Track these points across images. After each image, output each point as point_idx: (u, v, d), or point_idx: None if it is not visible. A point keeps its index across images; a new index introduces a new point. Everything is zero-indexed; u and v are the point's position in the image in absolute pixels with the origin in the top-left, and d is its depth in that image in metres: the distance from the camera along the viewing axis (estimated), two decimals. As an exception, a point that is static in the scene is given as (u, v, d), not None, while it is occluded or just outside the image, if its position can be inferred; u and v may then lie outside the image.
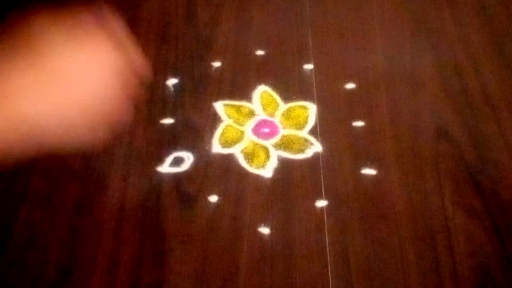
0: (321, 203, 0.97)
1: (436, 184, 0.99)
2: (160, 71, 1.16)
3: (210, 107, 1.11)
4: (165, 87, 1.14)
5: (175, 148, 1.05)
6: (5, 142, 0.64)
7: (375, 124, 1.08)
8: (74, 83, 0.66)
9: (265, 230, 0.94)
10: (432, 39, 1.22)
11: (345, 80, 1.15)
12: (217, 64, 1.18)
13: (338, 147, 1.05)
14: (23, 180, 1.00)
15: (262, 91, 1.13)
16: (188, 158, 1.03)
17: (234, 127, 1.08)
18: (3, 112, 0.62)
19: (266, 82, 1.14)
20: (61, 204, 0.97)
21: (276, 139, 1.06)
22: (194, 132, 1.07)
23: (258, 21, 1.26)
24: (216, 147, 1.05)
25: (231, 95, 1.12)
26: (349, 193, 0.99)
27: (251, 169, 1.02)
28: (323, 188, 0.99)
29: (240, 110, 1.10)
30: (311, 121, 1.08)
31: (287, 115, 1.09)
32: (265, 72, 1.16)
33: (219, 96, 1.12)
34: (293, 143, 1.05)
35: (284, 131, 1.07)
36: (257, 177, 1.01)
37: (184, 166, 1.02)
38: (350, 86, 1.14)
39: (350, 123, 1.08)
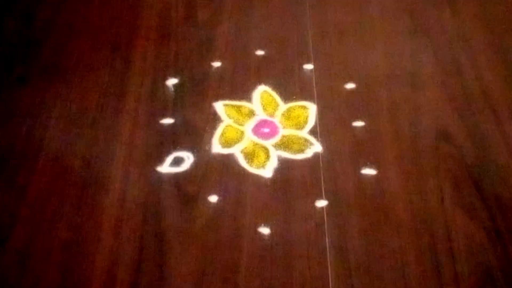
0: (321, 203, 0.97)
1: (436, 184, 0.99)
2: (160, 71, 1.16)
3: (210, 107, 1.11)
4: (165, 87, 1.14)
5: (175, 148, 1.05)
6: None
7: (375, 124, 1.08)
8: None
9: (265, 230, 0.94)
10: (432, 39, 1.22)
11: (345, 80, 1.15)
12: (217, 64, 1.18)
13: (338, 147, 1.05)
14: (23, 180, 1.00)
15: (262, 91, 1.13)
16: (188, 158, 1.03)
17: (234, 127, 1.08)
18: None
19: (266, 82, 1.14)
20: (61, 204, 0.97)
21: (276, 139, 1.06)
22: (194, 132, 1.07)
23: (258, 21, 1.26)
24: (216, 147, 1.05)
25: (231, 95, 1.12)
26: (349, 193, 0.99)
27: (251, 169, 1.02)
28: (323, 188, 0.99)
29: (240, 110, 1.10)
30: (311, 121, 1.08)
31: (287, 115, 1.09)
32: (265, 72, 1.16)
33: (219, 96, 1.12)
34: (293, 143, 1.05)
35: (284, 131, 1.07)
36: (257, 177, 1.01)
37: (184, 166, 1.02)
38: (350, 86, 1.14)
39: (350, 123, 1.08)
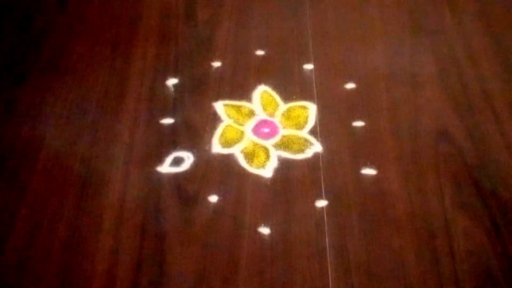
0: (321, 203, 0.97)
1: (436, 184, 0.99)
2: (160, 71, 1.16)
3: (210, 107, 1.11)
4: (165, 87, 1.14)
5: (175, 148, 1.05)
6: None
7: (375, 124, 1.08)
8: None
9: (265, 230, 0.94)
10: (432, 39, 1.22)
11: (345, 80, 1.15)
12: (217, 64, 1.18)
13: (338, 147, 1.05)
14: (23, 180, 1.00)
15: (262, 91, 1.13)
16: (188, 158, 1.03)
17: (234, 127, 1.08)
18: None
19: (266, 82, 1.14)
20: (61, 204, 0.97)
21: (276, 139, 1.06)
22: (194, 132, 1.07)
23: (258, 21, 1.27)
24: (216, 147, 1.05)
25: (231, 95, 1.12)
26: (349, 193, 0.99)
27: (251, 169, 1.02)
28: (323, 188, 0.99)
29: (240, 110, 1.10)
30: (311, 121, 1.08)
31: (287, 115, 1.10)
32: (265, 72, 1.16)
33: (219, 96, 1.12)
34: (293, 143, 1.05)
35: (284, 131, 1.07)
36: (257, 177, 1.01)
37: (184, 166, 1.02)
38: (350, 86, 1.14)
39: (350, 123, 1.08)
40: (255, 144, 1.05)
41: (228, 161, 1.03)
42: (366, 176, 1.01)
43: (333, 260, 0.91)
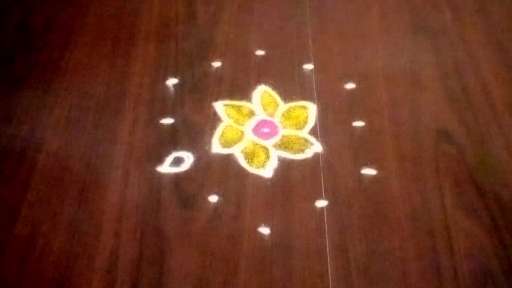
0: (321, 203, 0.97)
1: (436, 184, 0.99)
2: (160, 71, 1.16)
3: (210, 107, 1.11)
4: (165, 87, 1.14)
5: (175, 148, 1.05)
6: None
7: (375, 124, 1.08)
8: None
9: (265, 230, 0.94)
10: (432, 39, 1.22)
11: (345, 80, 1.15)
12: (217, 64, 1.18)
13: (338, 147, 1.05)
14: (23, 179, 1.00)
15: (262, 91, 1.13)
16: (188, 158, 1.03)
17: (234, 127, 1.08)
18: None
19: (266, 82, 1.14)
20: (61, 204, 0.97)
21: (276, 139, 1.06)
22: (194, 132, 1.07)
23: (258, 21, 1.27)
24: (216, 147, 1.05)
25: (231, 95, 1.12)
26: (349, 193, 0.99)
27: (251, 169, 1.02)
28: (323, 188, 0.99)
29: (240, 110, 1.10)
30: (311, 121, 1.08)
31: (287, 115, 1.10)
32: (265, 72, 1.16)
33: (219, 96, 1.12)
34: (293, 143, 1.05)
35: (284, 131, 1.07)
36: (257, 177, 1.01)
37: (184, 166, 1.02)
38: (350, 86, 1.14)
39: (350, 123, 1.08)
40: (255, 144, 1.05)
41: (228, 161, 1.03)
42: (366, 176, 1.01)
43: (333, 260, 0.91)
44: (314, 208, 0.97)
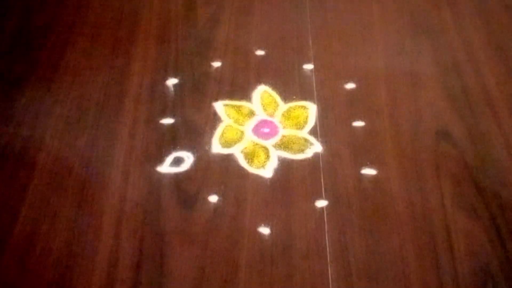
0: (321, 203, 0.97)
1: (436, 184, 0.99)
2: (160, 71, 1.16)
3: (210, 107, 1.11)
4: (165, 87, 1.14)
5: (175, 148, 1.05)
6: None
7: (375, 124, 1.08)
8: None
9: (265, 230, 0.94)
10: (432, 39, 1.22)
11: (345, 80, 1.15)
12: (217, 64, 1.18)
13: (338, 147, 1.05)
14: (24, 179, 1.00)
15: (262, 91, 1.13)
16: (188, 158, 1.03)
17: (234, 127, 1.08)
18: None
19: (266, 82, 1.14)
20: (61, 204, 0.97)
21: (276, 139, 1.06)
22: (194, 132, 1.07)
23: (258, 21, 1.27)
24: (216, 147, 1.05)
25: (231, 95, 1.12)
26: (349, 193, 0.99)
27: (251, 169, 1.02)
28: (323, 188, 0.99)
29: (240, 110, 1.10)
30: (311, 121, 1.08)
31: (287, 115, 1.10)
32: (265, 72, 1.16)
33: (219, 96, 1.12)
34: (293, 143, 1.05)
35: (284, 131, 1.07)
36: (257, 177, 1.01)
37: (184, 166, 1.02)
38: (350, 86, 1.14)
39: (350, 123, 1.08)
40: (255, 144, 1.05)
41: (228, 161, 1.03)
42: (366, 176, 1.01)
43: (333, 260, 0.91)
44: (314, 208, 0.97)
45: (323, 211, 0.97)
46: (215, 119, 1.09)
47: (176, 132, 1.07)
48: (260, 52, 1.20)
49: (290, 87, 1.14)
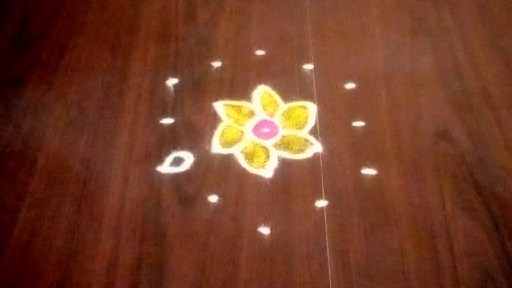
0: (321, 203, 0.97)
1: (436, 184, 0.99)
2: (160, 71, 1.16)
3: (210, 107, 1.11)
4: (165, 87, 1.14)
5: (175, 148, 1.05)
6: None
7: (375, 124, 1.08)
8: None
9: (265, 230, 0.94)
10: (432, 39, 1.22)
11: (345, 80, 1.15)
12: (217, 64, 1.18)
13: (338, 147, 1.05)
14: (24, 180, 1.00)
15: (262, 91, 1.13)
16: (188, 158, 1.03)
17: (234, 127, 1.08)
18: None
19: (266, 82, 1.14)
20: (61, 204, 0.97)
21: (276, 139, 1.06)
22: (194, 132, 1.07)
23: (258, 21, 1.27)
24: (216, 147, 1.05)
25: (231, 95, 1.12)
26: (349, 193, 0.99)
27: (251, 169, 1.02)
28: (323, 188, 0.99)
29: (240, 110, 1.10)
30: (311, 121, 1.08)
31: (287, 115, 1.10)
32: (265, 72, 1.16)
33: (219, 96, 1.12)
34: (293, 143, 1.05)
35: (284, 131, 1.07)
36: (257, 177, 1.01)
37: (184, 166, 1.02)
38: (350, 86, 1.14)
39: (350, 123, 1.08)
40: (255, 144, 1.05)
41: (228, 161, 1.03)
42: (366, 176, 1.01)
43: (333, 260, 0.91)
44: (314, 208, 0.97)
45: (323, 211, 0.97)
46: (215, 119, 1.09)
47: (176, 132, 1.07)
48: (260, 52, 1.20)
49: (290, 87, 1.14)
